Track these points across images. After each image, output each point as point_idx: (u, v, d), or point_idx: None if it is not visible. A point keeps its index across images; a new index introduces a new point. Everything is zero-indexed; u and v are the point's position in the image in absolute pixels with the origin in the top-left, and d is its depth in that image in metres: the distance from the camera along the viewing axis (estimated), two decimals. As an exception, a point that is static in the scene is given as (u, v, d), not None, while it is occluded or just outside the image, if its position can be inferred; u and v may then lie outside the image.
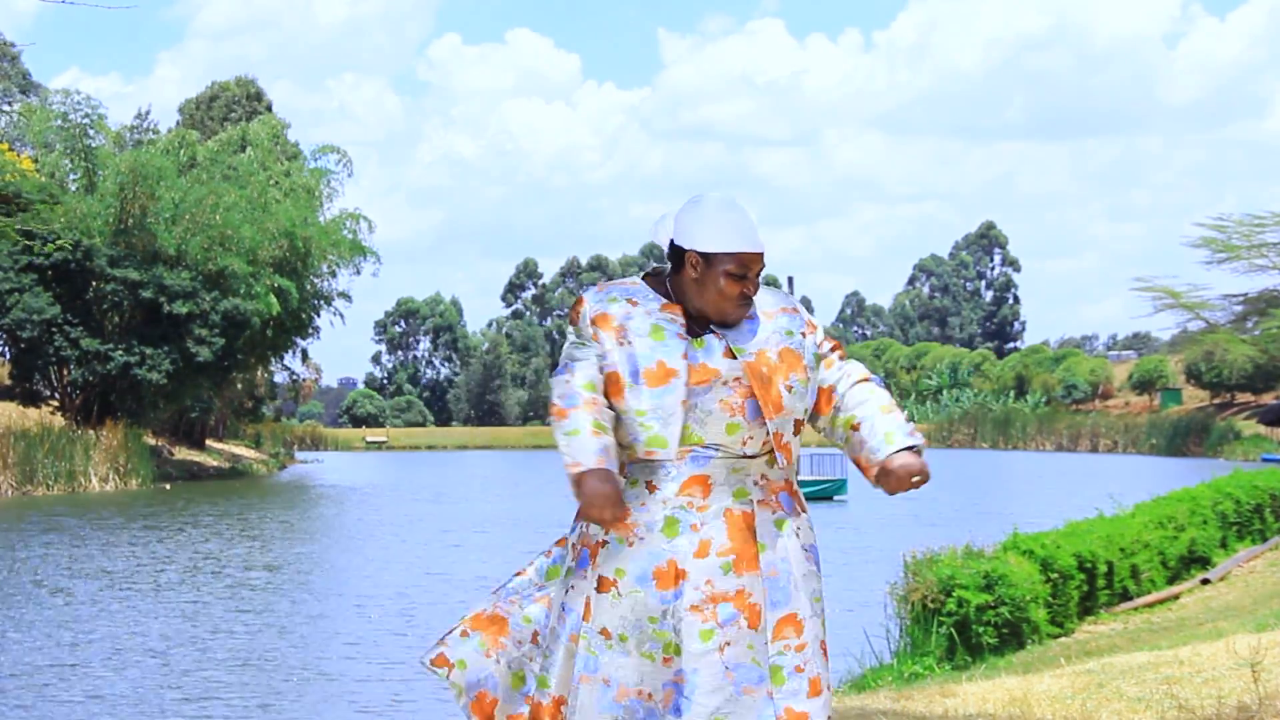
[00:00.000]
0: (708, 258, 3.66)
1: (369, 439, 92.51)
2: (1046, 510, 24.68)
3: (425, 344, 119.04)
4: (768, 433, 3.63)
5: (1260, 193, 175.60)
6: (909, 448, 3.70)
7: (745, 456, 3.64)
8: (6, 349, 40.97)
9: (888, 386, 3.88)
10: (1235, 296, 43.33)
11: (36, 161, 43.86)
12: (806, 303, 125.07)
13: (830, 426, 3.77)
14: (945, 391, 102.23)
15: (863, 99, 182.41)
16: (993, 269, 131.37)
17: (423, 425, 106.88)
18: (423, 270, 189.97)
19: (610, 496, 3.51)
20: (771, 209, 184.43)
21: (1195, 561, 16.68)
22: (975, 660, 10.78)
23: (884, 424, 3.70)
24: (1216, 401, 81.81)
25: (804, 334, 3.74)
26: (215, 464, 48.35)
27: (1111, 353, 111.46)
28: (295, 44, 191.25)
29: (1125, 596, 14.39)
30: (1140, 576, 14.79)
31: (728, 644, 3.53)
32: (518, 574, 3.86)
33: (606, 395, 3.62)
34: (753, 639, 3.55)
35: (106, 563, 19.68)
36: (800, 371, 3.67)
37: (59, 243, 38.25)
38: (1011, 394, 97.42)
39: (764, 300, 3.76)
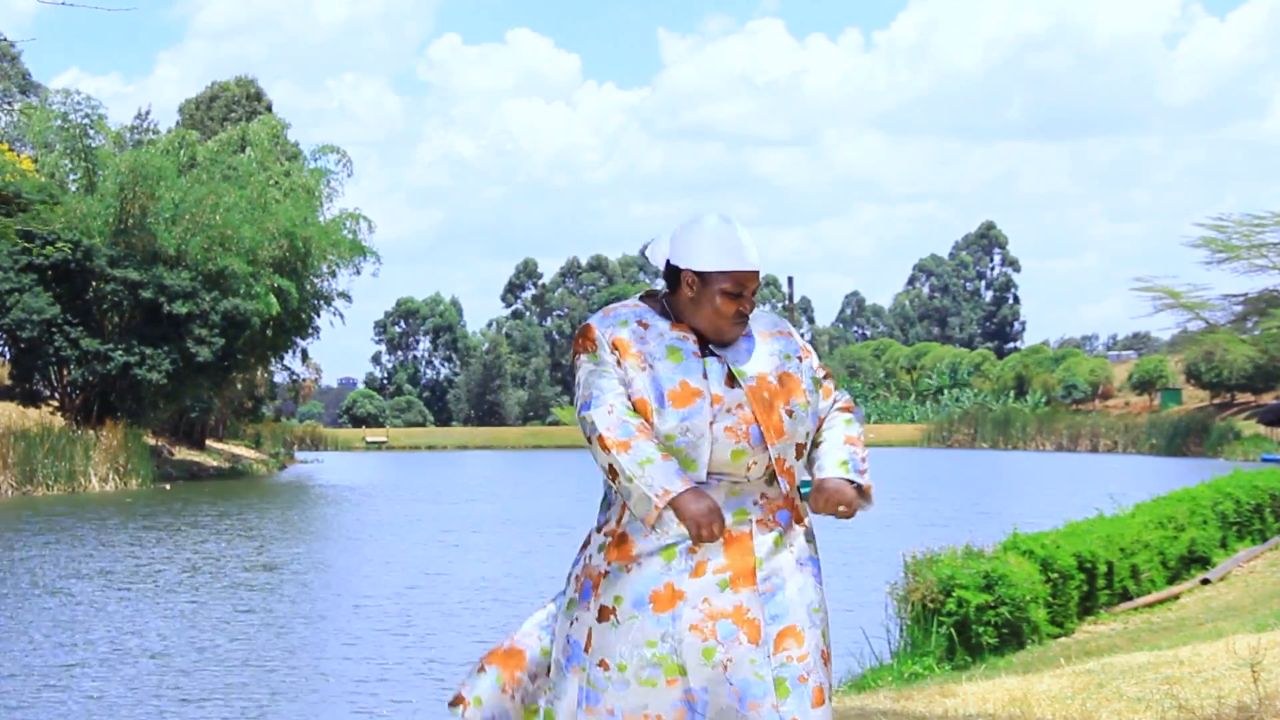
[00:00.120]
0: (704, 277, 3.67)
1: (369, 439, 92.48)
2: (1046, 510, 24.66)
3: (425, 344, 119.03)
4: (770, 458, 3.64)
5: (1260, 193, 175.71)
6: (852, 481, 3.74)
7: (748, 480, 3.66)
8: (6, 349, 40.97)
9: (867, 419, 3.91)
10: (1235, 296, 43.36)
11: (36, 161, 43.86)
12: (806, 303, 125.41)
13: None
14: (945, 391, 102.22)
15: (863, 99, 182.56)
16: (993, 269, 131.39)
17: (423, 425, 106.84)
18: (423, 270, 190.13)
19: (715, 510, 3.55)
20: (771, 209, 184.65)
21: (1195, 561, 16.67)
22: (975, 660, 10.77)
23: (841, 452, 3.76)
24: (1216, 401, 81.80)
25: (800, 358, 3.77)
26: (215, 464, 48.34)
27: (1111, 353, 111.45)
28: (295, 44, 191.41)
29: (1125, 596, 14.39)
30: (1140, 576, 14.78)
31: (730, 660, 3.55)
32: (541, 609, 3.89)
33: None
34: (754, 654, 3.56)
35: (106, 563, 19.67)
36: (800, 395, 3.69)
37: (59, 243, 38.24)
38: (1011, 394, 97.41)
39: (758, 321, 3.79)
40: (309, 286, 46.33)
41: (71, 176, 42.82)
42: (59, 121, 41.99)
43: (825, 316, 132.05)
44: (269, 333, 43.76)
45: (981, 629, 11.10)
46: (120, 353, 38.88)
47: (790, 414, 3.65)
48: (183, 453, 47.32)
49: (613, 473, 3.59)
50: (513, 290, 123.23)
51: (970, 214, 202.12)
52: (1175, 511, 16.78)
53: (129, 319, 39.79)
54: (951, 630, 11.05)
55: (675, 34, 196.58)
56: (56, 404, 40.61)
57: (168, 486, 38.32)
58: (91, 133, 42.30)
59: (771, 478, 3.68)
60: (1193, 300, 43.48)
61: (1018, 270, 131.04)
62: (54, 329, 38.54)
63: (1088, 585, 13.36)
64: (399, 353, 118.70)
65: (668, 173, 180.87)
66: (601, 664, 3.59)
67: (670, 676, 3.55)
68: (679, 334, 3.69)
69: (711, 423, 3.59)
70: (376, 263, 48.69)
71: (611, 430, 3.58)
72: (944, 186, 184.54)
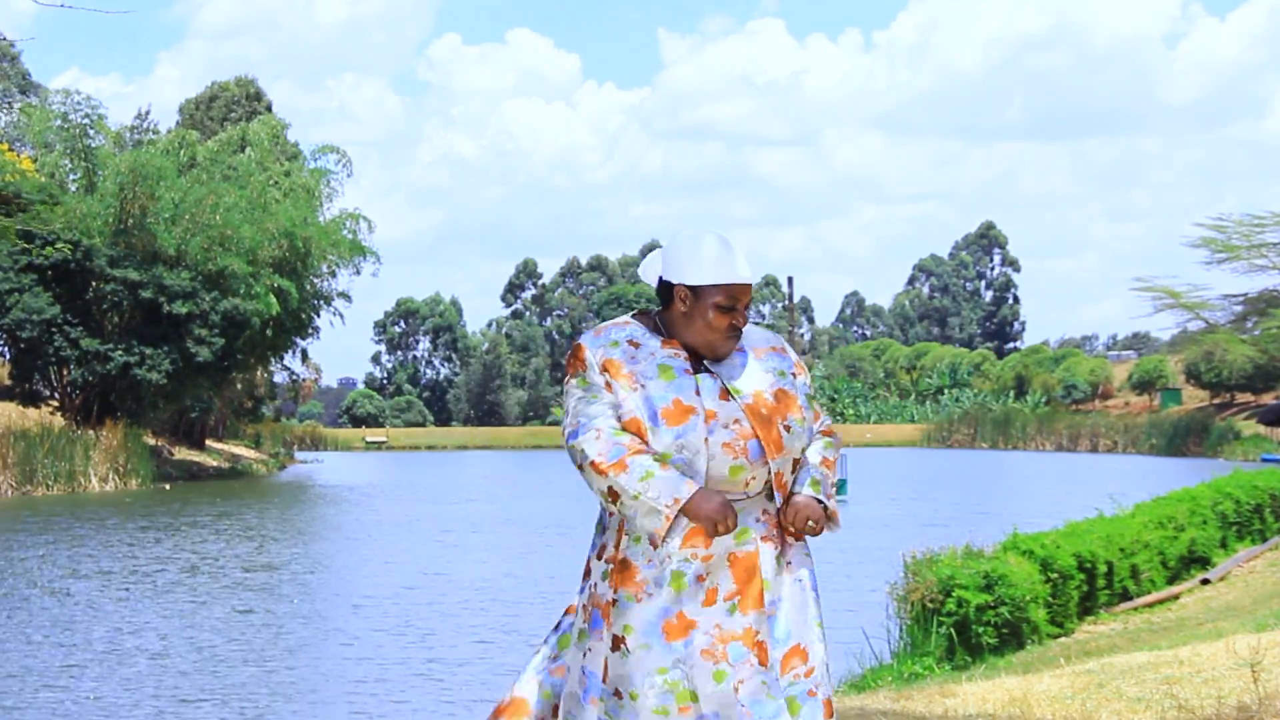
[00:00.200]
0: (696, 291, 3.68)
1: (369, 439, 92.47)
2: (1046, 510, 24.65)
3: (425, 344, 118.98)
4: (769, 473, 3.65)
5: (1260, 193, 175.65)
6: (820, 502, 3.75)
7: (747, 497, 3.66)
8: (6, 349, 40.96)
9: (844, 444, 3.95)
10: (1235, 296, 43.37)
11: (36, 161, 43.85)
12: (806, 303, 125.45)
13: None
14: (945, 391, 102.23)
15: (863, 99, 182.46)
16: (992, 269, 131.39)
17: (422, 425, 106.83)
18: (422, 270, 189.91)
19: (726, 504, 3.58)
20: (771, 209, 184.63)
21: (1195, 561, 16.67)
22: (975, 660, 10.77)
23: (815, 473, 3.76)
24: (1216, 401, 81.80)
25: (794, 374, 3.78)
26: (215, 464, 48.34)
27: (1111, 353, 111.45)
28: (295, 44, 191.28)
29: (1125, 596, 14.38)
30: (1140, 576, 14.77)
31: (741, 683, 3.57)
32: (536, 653, 3.90)
33: None
34: (765, 676, 3.58)
35: (105, 563, 19.67)
36: (796, 412, 3.71)
37: (59, 243, 38.24)
38: (1011, 394, 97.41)
39: (752, 336, 3.79)
40: (309, 286, 46.33)
41: (71, 176, 42.81)
42: (59, 121, 41.99)
43: (825, 316, 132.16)
44: (269, 333, 43.76)
45: (981, 629, 11.09)
46: (120, 353, 38.88)
47: (789, 429, 3.66)
48: (182, 453, 47.31)
49: (613, 495, 3.59)
50: (513, 290, 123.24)
51: (970, 214, 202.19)
52: (1175, 511, 16.77)
53: (129, 319, 39.78)
54: (951, 630, 11.05)
55: (675, 34, 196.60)
56: (56, 404, 40.61)
57: (167, 486, 38.31)
58: (91, 133, 42.31)
59: (770, 493, 3.69)
60: (1193, 300, 43.50)
61: (1018, 270, 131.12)
62: (54, 329, 38.54)
63: (1088, 585, 13.36)
64: (399, 353, 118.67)
65: (668, 173, 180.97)
66: (616, 693, 3.60)
67: (682, 704, 3.56)
68: (670, 351, 3.69)
69: (706, 439, 3.60)
70: (376, 263, 48.74)
71: (603, 454, 3.60)
72: (944, 186, 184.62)
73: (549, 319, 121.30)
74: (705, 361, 3.70)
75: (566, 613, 3.87)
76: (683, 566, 3.59)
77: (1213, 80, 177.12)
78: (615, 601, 3.63)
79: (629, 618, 3.60)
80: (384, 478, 49.54)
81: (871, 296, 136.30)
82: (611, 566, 3.66)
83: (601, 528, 3.75)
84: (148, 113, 67.59)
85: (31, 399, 40.66)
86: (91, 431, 37.39)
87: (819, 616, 3.72)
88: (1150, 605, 14.34)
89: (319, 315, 49.18)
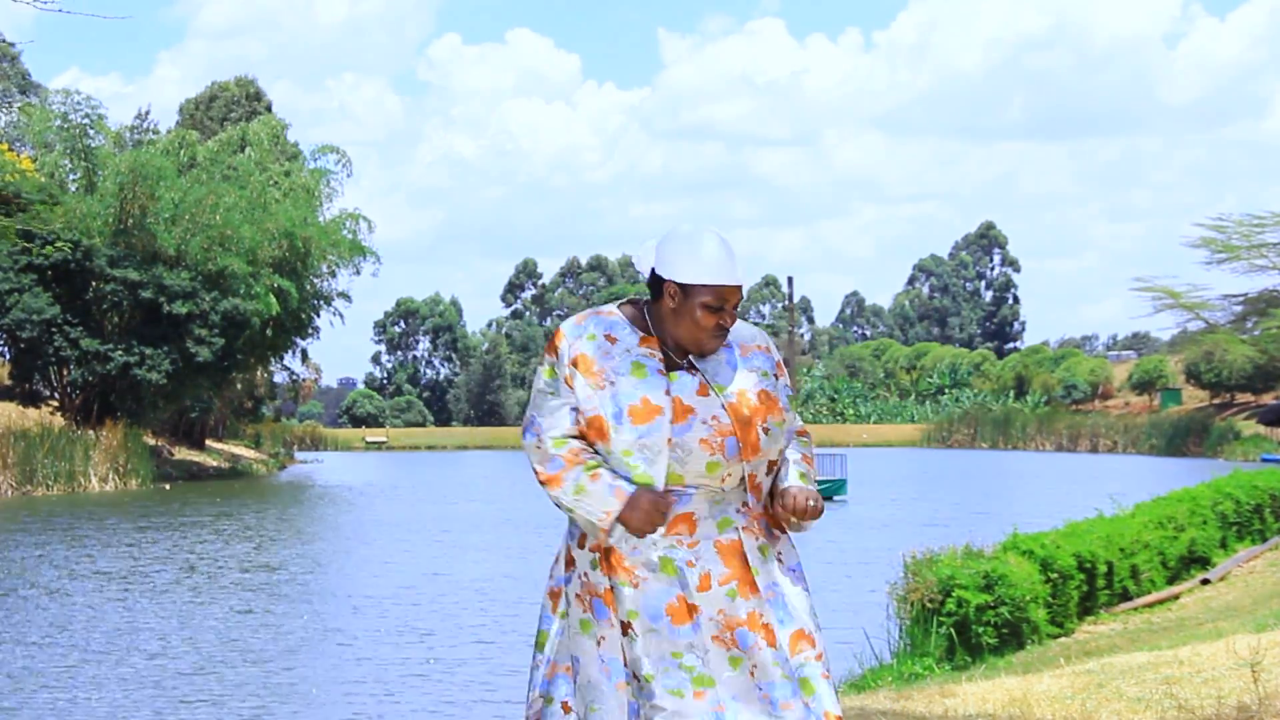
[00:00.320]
0: (685, 289, 3.68)
1: (369, 439, 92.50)
2: (1046, 510, 24.66)
3: (425, 344, 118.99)
4: (744, 471, 3.68)
5: (1260, 193, 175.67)
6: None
7: (724, 490, 3.68)
8: (6, 349, 40.96)
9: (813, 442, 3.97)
10: (1235, 296, 43.42)
11: (36, 161, 43.84)
12: (806, 303, 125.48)
13: None
14: (945, 391, 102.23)
15: (863, 99, 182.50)
16: (992, 269, 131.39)
17: (422, 425, 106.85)
18: (422, 270, 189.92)
19: (649, 513, 3.60)
20: (771, 209, 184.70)
21: (1195, 561, 16.66)
22: (975, 660, 10.76)
23: (800, 467, 3.80)
24: (1216, 401, 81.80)
25: (775, 375, 3.78)
26: (215, 464, 48.34)
27: (1111, 353, 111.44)
28: (295, 44, 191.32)
29: (1125, 596, 14.38)
30: (1140, 577, 14.77)
31: (755, 667, 3.60)
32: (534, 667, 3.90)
33: (589, 438, 3.68)
34: (775, 657, 3.61)
35: (105, 563, 19.66)
36: (777, 414, 3.72)
37: (59, 243, 38.23)
38: (1011, 394, 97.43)
39: (740, 333, 3.79)
40: (309, 286, 46.32)
41: (71, 176, 42.81)
42: (59, 121, 41.99)
43: (825, 316, 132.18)
44: (269, 333, 43.76)
45: (981, 629, 11.09)
46: (120, 353, 38.88)
47: (767, 431, 3.67)
48: (182, 453, 47.31)
49: (557, 504, 3.73)
50: (512, 290, 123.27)
51: (970, 214, 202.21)
52: (1175, 512, 16.77)
53: (129, 319, 39.78)
54: (951, 630, 11.04)
55: (675, 34, 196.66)
56: (56, 404, 40.60)
57: (167, 486, 38.31)
58: (91, 133, 42.30)
59: (747, 488, 3.71)
60: (1193, 300, 43.54)
61: (1017, 270, 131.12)
62: (54, 329, 38.54)
63: (1088, 585, 13.35)
64: (399, 353, 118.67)
65: (668, 173, 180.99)
66: (635, 676, 3.62)
67: (698, 689, 3.58)
68: (646, 350, 3.70)
69: (670, 439, 3.61)
70: (376, 263, 48.76)
71: (542, 465, 3.72)
72: (944, 186, 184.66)
73: (549, 319, 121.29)
74: (690, 358, 3.71)
75: (549, 597, 3.86)
76: (669, 553, 3.62)
77: (1213, 80, 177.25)
78: (613, 588, 3.64)
79: (631, 603, 3.62)
80: (384, 478, 49.54)
81: (871, 296, 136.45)
82: (598, 555, 3.68)
83: None
84: (148, 113, 67.65)
85: (31, 399, 40.66)
86: (91, 431, 37.39)
87: (813, 609, 3.74)
88: (1150, 605, 14.33)
89: (319, 315, 49.21)
